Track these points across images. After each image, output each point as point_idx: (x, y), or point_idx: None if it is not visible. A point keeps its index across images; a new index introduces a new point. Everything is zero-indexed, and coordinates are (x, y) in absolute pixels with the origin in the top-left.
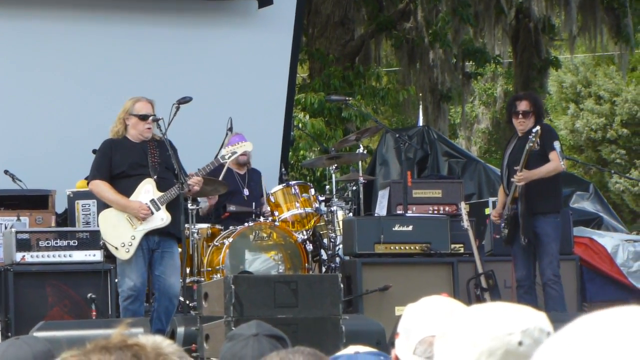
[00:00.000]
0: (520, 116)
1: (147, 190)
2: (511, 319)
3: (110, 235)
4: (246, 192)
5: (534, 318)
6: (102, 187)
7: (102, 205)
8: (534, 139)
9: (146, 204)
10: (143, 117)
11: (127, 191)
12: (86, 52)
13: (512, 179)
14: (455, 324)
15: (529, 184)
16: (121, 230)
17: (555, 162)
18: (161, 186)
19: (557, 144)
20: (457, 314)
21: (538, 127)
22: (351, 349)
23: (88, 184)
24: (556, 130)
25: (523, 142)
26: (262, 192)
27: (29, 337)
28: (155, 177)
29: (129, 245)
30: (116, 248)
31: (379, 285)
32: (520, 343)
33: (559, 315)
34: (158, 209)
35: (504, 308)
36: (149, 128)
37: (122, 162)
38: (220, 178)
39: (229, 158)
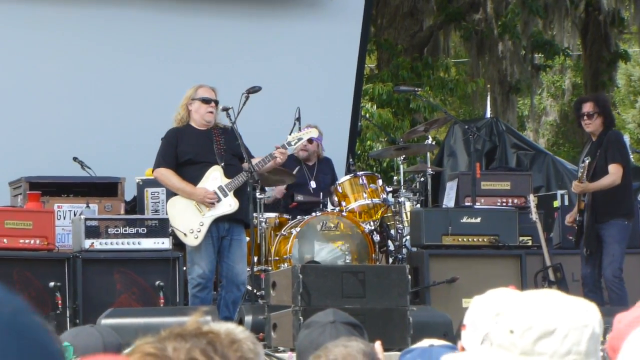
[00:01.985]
0: (586, 118)
1: (214, 177)
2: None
3: (178, 221)
4: (313, 184)
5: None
6: (167, 175)
7: (171, 193)
8: (582, 170)
9: (213, 190)
10: (205, 101)
11: (194, 179)
12: (155, 40)
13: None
14: (564, 319)
15: (596, 193)
16: (189, 216)
17: (613, 177)
18: (228, 173)
19: (618, 155)
20: (557, 308)
21: (587, 161)
22: (426, 342)
23: (153, 171)
24: (624, 123)
25: (593, 144)
26: (334, 178)
27: (102, 326)
28: (222, 164)
29: (198, 232)
30: (185, 234)
31: (447, 277)
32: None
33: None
34: (226, 195)
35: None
36: (211, 112)
37: (188, 150)
38: (295, 172)
39: (295, 144)
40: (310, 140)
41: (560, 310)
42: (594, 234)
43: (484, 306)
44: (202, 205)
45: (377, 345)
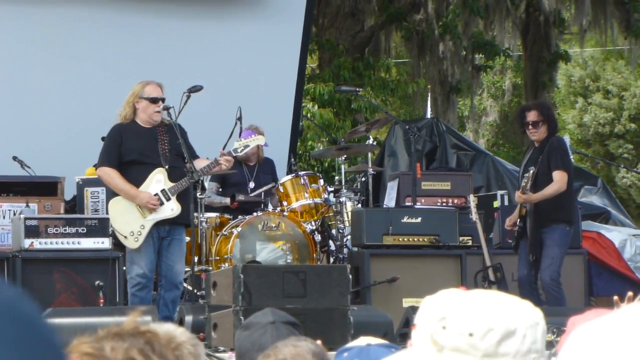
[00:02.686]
0: (531, 127)
1: (158, 180)
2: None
3: (119, 223)
4: (252, 184)
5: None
6: (111, 175)
7: (112, 193)
8: (526, 180)
9: (156, 194)
10: (153, 100)
11: (137, 179)
12: (96, 39)
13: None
14: (515, 318)
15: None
16: (131, 219)
17: (557, 184)
18: (172, 176)
19: (561, 162)
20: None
21: (531, 170)
22: (363, 340)
23: (96, 170)
24: (564, 124)
25: (536, 150)
26: (275, 179)
27: None
28: (166, 166)
29: (138, 235)
30: (125, 237)
31: (387, 277)
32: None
33: (562, 310)
34: (168, 199)
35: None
36: (158, 111)
37: (133, 149)
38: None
39: (241, 152)
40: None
41: (515, 310)
42: (538, 240)
43: (435, 306)
44: (144, 208)
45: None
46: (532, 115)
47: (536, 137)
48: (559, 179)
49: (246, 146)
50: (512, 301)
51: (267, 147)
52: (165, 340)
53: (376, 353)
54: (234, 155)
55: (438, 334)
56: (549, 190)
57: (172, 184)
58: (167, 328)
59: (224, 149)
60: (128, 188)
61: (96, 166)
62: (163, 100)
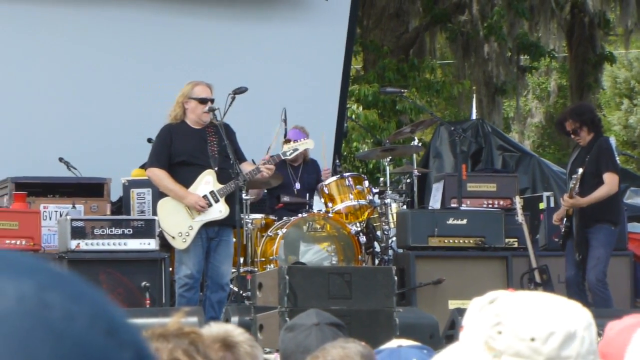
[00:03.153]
0: (572, 135)
1: (207, 182)
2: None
3: (167, 224)
4: (297, 185)
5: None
6: (160, 176)
7: (159, 194)
8: (575, 181)
9: (205, 195)
10: (202, 101)
11: (186, 180)
12: (144, 41)
13: (561, 200)
14: (573, 320)
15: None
16: (179, 219)
17: (608, 186)
18: (221, 177)
19: (611, 164)
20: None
21: (579, 172)
22: (394, 342)
23: (146, 170)
24: (609, 125)
25: (583, 150)
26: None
27: None
28: (216, 168)
29: (186, 235)
30: (173, 237)
31: (433, 279)
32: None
33: (607, 312)
34: (217, 200)
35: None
36: (207, 112)
37: (182, 151)
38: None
39: (290, 155)
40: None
41: (572, 312)
42: (584, 239)
43: (488, 310)
44: (192, 209)
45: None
46: (569, 125)
47: (582, 142)
48: (610, 181)
49: (295, 150)
50: (565, 303)
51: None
52: (209, 341)
53: (407, 354)
54: (283, 158)
55: (494, 339)
56: (600, 193)
57: (220, 186)
58: (226, 329)
59: (268, 151)
60: (177, 189)
61: (145, 167)
62: (212, 101)
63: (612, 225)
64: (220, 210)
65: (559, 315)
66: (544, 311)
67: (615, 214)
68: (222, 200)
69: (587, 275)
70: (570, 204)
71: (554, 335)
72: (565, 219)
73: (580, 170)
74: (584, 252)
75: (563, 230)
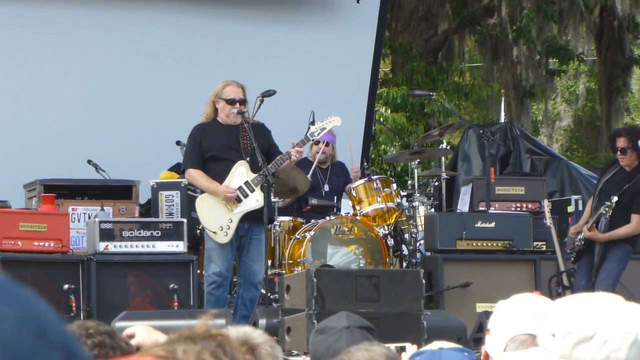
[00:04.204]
0: (619, 153)
1: (240, 173)
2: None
3: (207, 219)
4: (326, 188)
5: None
6: (194, 176)
7: (187, 196)
8: (607, 209)
9: (240, 187)
10: (230, 102)
11: (219, 175)
12: (173, 42)
13: (584, 230)
14: (602, 324)
15: (614, 216)
16: (218, 214)
17: (633, 229)
18: (255, 168)
19: None
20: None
21: (614, 200)
22: (435, 345)
23: (183, 172)
24: None
25: (623, 173)
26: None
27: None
28: (248, 159)
29: (227, 229)
30: (214, 232)
31: (461, 282)
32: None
33: None
34: (252, 190)
35: (614, 299)
36: (235, 114)
37: (212, 146)
38: (309, 175)
39: (318, 135)
40: (327, 144)
41: (602, 315)
42: (602, 255)
43: (509, 311)
44: (230, 201)
45: (409, 346)
46: (621, 142)
47: (625, 162)
48: (636, 223)
49: (322, 129)
50: (611, 306)
51: (334, 143)
52: (236, 343)
53: (448, 356)
54: (311, 139)
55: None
56: (622, 231)
57: (254, 175)
58: (245, 331)
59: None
60: (210, 185)
61: (182, 170)
62: (242, 102)
63: (630, 245)
64: (257, 200)
65: (587, 316)
66: (577, 311)
67: (634, 237)
68: (257, 189)
69: (596, 286)
70: (588, 237)
71: (570, 334)
72: (581, 234)
73: (615, 199)
74: (598, 266)
75: (577, 245)
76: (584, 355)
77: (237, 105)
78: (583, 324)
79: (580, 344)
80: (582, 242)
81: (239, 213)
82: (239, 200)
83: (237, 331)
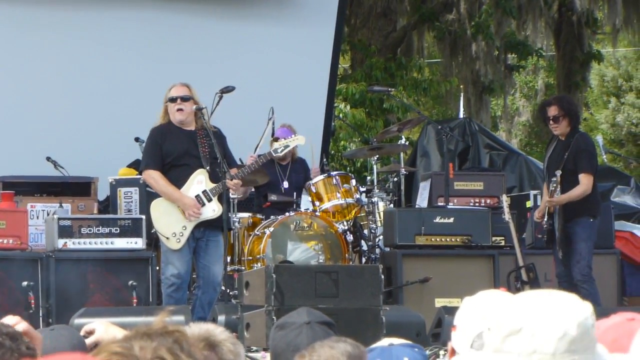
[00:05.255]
0: (552, 122)
1: (199, 181)
2: (578, 304)
3: (161, 224)
4: (285, 184)
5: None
6: (155, 178)
7: (147, 194)
8: (555, 185)
9: (198, 195)
10: (171, 100)
11: (178, 181)
12: (128, 39)
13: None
14: (531, 317)
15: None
16: (173, 220)
17: (583, 187)
18: (213, 177)
19: (588, 164)
20: (527, 308)
21: (558, 175)
22: (385, 341)
23: (141, 172)
24: (597, 124)
25: (560, 144)
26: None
27: (62, 327)
28: (207, 167)
29: (180, 235)
30: (167, 238)
31: (420, 277)
32: (592, 325)
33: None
34: (210, 200)
35: (562, 296)
36: (178, 110)
37: (173, 151)
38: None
39: (281, 152)
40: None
41: (531, 309)
42: (565, 234)
43: (475, 307)
44: (187, 213)
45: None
46: (552, 110)
47: (558, 131)
48: (585, 182)
49: (286, 146)
50: (548, 301)
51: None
52: (193, 339)
53: (398, 353)
54: (274, 155)
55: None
56: (575, 193)
57: (213, 185)
58: (207, 328)
59: (256, 150)
60: (172, 191)
61: (140, 169)
62: (184, 98)
63: (591, 217)
64: (213, 210)
65: (518, 310)
66: (512, 306)
67: (593, 206)
68: (214, 200)
69: (572, 272)
70: (553, 204)
71: (500, 327)
72: (547, 217)
73: (559, 173)
74: (565, 248)
75: (545, 227)
76: (513, 348)
77: (178, 102)
78: (512, 317)
79: (509, 337)
80: (550, 223)
81: (194, 221)
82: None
83: (199, 328)
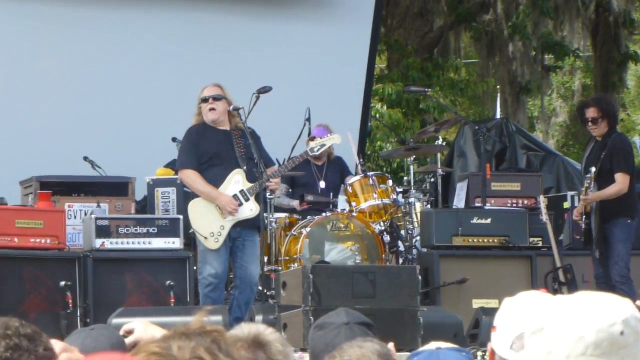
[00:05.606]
0: (590, 123)
1: (236, 181)
2: (610, 309)
3: (199, 224)
4: (321, 184)
5: (627, 307)
6: (192, 177)
7: (184, 194)
8: (589, 182)
9: (235, 195)
10: (204, 100)
11: (214, 180)
12: (169, 39)
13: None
14: (553, 318)
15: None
16: (210, 219)
17: (619, 186)
18: (250, 176)
19: (624, 163)
20: (551, 308)
21: (592, 171)
22: (433, 345)
23: (177, 172)
24: (633, 124)
25: (598, 145)
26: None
27: (102, 326)
28: (244, 167)
29: (218, 235)
30: (205, 237)
31: (456, 278)
32: (621, 333)
33: None
34: (247, 199)
35: (598, 298)
36: (211, 109)
37: (210, 150)
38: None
39: (317, 151)
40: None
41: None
42: (602, 235)
43: (514, 308)
44: (224, 210)
45: (390, 346)
46: (591, 112)
47: (597, 132)
48: (621, 180)
49: (322, 145)
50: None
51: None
52: (230, 340)
53: (446, 356)
54: (310, 154)
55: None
56: (609, 191)
57: (250, 185)
58: (257, 328)
59: (292, 150)
60: (209, 190)
61: (176, 169)
62: (216, 98)
63: (629, 218)
64: (250, 209)
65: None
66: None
67: (631, 207)
68: (252, 199)
69: (610, 272)
70: (587, 202)
71: (527, 326)
72: (584, 216)
73: (594, 169)
74: (602, 248)
75: (584, 227)
76: (533, 347)
77: (210, 101)
78: (538, 316)
79: (533, 335)
80: (587, 222)
81: (231, 221)
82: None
83: (249, 328)
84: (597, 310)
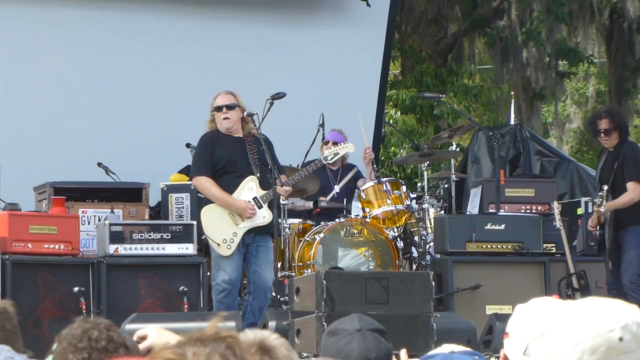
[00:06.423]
0: (602, 135)
1: (250, 188)
2: (609, 315)
3: (212, 230)
4: (337, 189)
5: (630, 312)
6: (206, 184)
7: (198, 200)
8: (600, 200)
9: (249, 202)
10: (217, 108)
11: (228, 187)
12: (183, 45)
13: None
14: (553, 323)
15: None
16: (223, 226)
17: (631, 194)
18: (263, 184)
19: (635, 172)
20: (552, 313)
21: (605, 189)
22: (446, 348)
23: (191, 179)
24: None
25: (610, 156)
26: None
27: (125, 331)
28: (258, 174)
29: (231, 242)
30: (218, 244)
31: (470, 284)
32: (620, 339)
33: None
34: (260, 207)
35: (600, 304)
36: (225, 118)
37: (223, 158)
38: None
39: (331, 159)
40: (335, 144)
41: (560, 315)
42: (616, 243)
43: (527, 314)
44: (236, 215)
45: (403, 352)
46: (603, 124)
47: (608, 144)
48: (633, 189)
49: (336, 154)
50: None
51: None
52: (245, 345)
53: None
54: (324, 162)
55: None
56: (621, 200)
57: (263, 192)
58: (262, 334)
59: (306, 156)
60: (224, 196)
61: (190, 176)
62: (229, 107)
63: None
64: (264, 216)
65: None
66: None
67: None
68: (265, 206)
69: (621, 278)
70: (602, 214)
71: (530, 330)
72: (598, 226)
73: (606, 188)
74: (615, 259)
75: (598, 235)
76: (534, 352)
77: (224, 110)
78: (540, 320)
79: (534, 340)
80: (601, 233)
81: (244, 228)
82: (249, 218)
83: (254, 334)
84: (596, 316)
